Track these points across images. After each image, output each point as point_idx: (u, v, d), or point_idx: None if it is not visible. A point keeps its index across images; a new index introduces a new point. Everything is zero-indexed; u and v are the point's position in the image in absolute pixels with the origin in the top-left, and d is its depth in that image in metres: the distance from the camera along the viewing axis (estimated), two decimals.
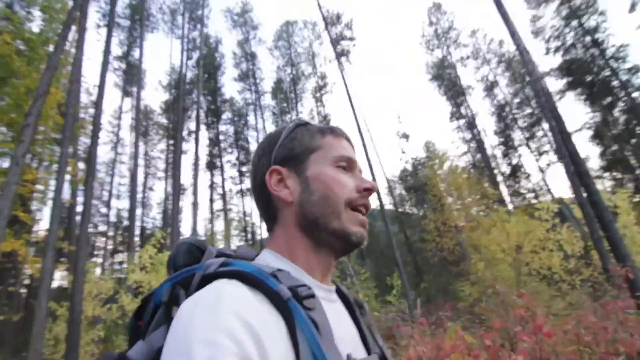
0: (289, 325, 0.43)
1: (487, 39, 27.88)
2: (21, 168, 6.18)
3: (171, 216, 12.82)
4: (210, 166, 24.04)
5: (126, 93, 21.79)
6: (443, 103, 29.21)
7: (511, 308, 4.30)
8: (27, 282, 15.96)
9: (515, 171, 25.79)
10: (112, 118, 23.61)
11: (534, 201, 22.69)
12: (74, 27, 9.13)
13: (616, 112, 21.77)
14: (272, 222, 0.61)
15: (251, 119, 25.93)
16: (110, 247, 22.75)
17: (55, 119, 9.45)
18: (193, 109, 23.20)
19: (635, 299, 5.19)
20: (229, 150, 25.88)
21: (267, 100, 27.03)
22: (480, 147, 25.01)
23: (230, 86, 30.95)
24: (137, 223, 19.78)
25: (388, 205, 21.18)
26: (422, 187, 20.46)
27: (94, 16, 20.97)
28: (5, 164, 8.76)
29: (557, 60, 23.20)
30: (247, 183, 25.43)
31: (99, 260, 20.95)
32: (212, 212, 22.01)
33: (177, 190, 12.40)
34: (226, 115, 26.49)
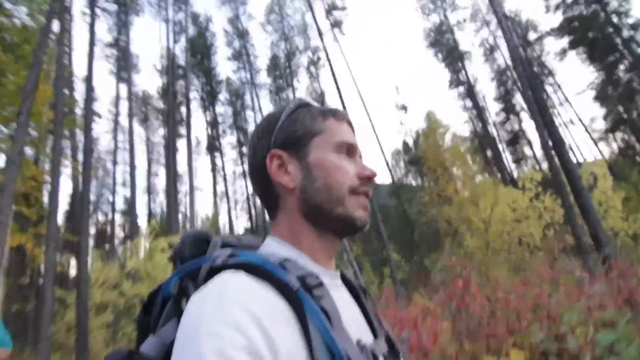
0: (299, 316, 0.43)
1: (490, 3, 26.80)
2: (17, 166, 6.58)
3: (167, 203, 13.29)
4: (211, 149, 24.37)
5: (121, 79, 21.89)
6: (442, 70, 28.53)
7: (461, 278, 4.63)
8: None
9: (517, 138, 25.52)
10: (111, 106, 23.90)
11: (537, 167, 22.61)
12: (56, 21, 9.24)
13: (620, 71, 21.12)
14: (273, 208, 0.60)
15: (248, 98, 25.85)
16: (121, 234, 23.66)
17: (47, 115, 9.76)
18: (190, 91, 23.28)
19: (584, 261, 5.48)
20: (229, 132, 26.10)
21: (263, 78, 26.86)
22: (480, 114, 24.69)
23: (225, 66, 30.67)
24: (144, 210, 20.45)
25: (386, 180, 21.39)
26: (421, 159, 20.53)
27: (80, 3, 20.75)
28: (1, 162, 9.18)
29: (557, 18, 22.32)
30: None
31: (110, 247, 21.89)
32: (215, 195, 22.56)
33: (172, 177, 12.78)
34: (223, 96, 26.50)
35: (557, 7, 22.10)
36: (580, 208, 7.13)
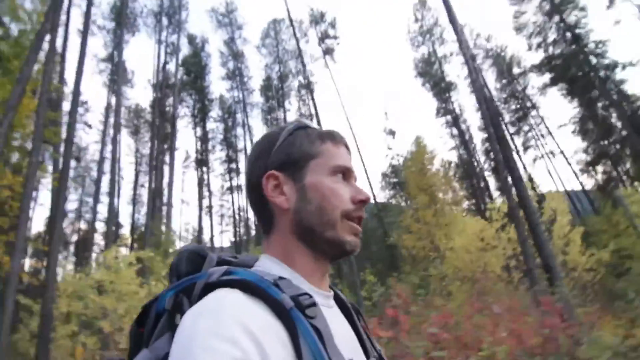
0: (291, 334, 0.44)
1: (473, 34, 28.01)
2: None
3: (146, 217, 13.39)
4: (199, 163, 24.62)
5: (113, 92, 22.31)
6: (430, 99, 29.43)
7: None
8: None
9: (498, 167, 26.00)
10: (101, 116, 24.20)
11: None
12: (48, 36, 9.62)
13: (599, 108, 21.99)
14: (268, 227, 0.61)
15: (240, 116, 26.39)
16: (102, 242, 23.45)
17: (30, 127, 9.99)
18: (181, 107, 23.72)
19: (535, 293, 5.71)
20: (219, 147, 26.43)
21: (256, 97, 27.46)
22: (465, 143, 25.34)
23: (219, 85, 31.39)
24: (128, 220, 20.46)
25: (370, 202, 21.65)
26: (404, 183, 20.92)
27: (77, 21, 21.39)
28: None
29: (539, 55, 23.38)
30: (237, 180, 26.12)
31: (93, 255, 21.67)
32: (200, 209, 22.65)
33: (152, 190, 12.93)
34: (215, 113, 26.99)
35: (538, 46, 23.21)
36: (535, 242, 7.43)
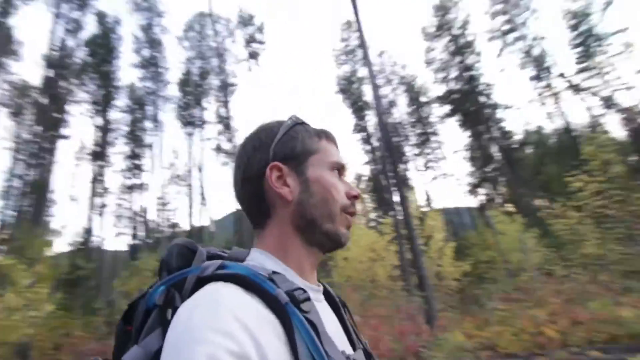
0: (286, 328, 0.44)
1: (391, 60, 30.55)
2: None
3: (20, 211, 11.51)
4: (96, 156, 22.07)
5: None
6: (349, 115, 31.14)
7: None
8: None
9: (404, 182, 28.78)
10: None
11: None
12: None
13: (483, 139, 25.75)
14: (263, 219, 0.61)
15: (151, 109, 24.42)
16: None
17: None
18: (79, 91, 21.11)
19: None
20: (123, 141, 24.05)
21: (171, 91, 25.78)
22: (376, 159, 27.24)
23: (129, 72, 28.72)
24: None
25: None
26: None
27: None
28: None
29: (442, 89, 26.58)
30: (141, 177, 23.99)
31: None
32: (92, 208, 20.21)
33: (34, 184, 11.19)
34: (122, 102, 24.57)
35: (442, 80, 26.36)
36: (412, 255, 8.32)
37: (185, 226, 23.20)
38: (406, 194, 8.88)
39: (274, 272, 0.51)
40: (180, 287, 0.50)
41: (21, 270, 7.75)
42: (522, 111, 27.49)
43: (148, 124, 23.93)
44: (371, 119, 29.18)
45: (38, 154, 14.88)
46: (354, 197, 0.64)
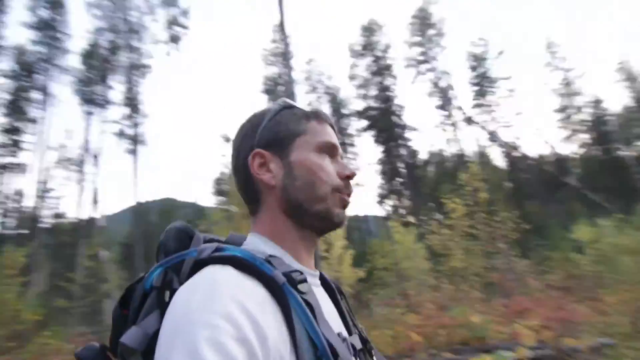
0: (283, 309, 0.44)
1: (318, 69, 31.41)
2: None
3: None
4: None
5: None
6: None
7: None
8: None
9: None
10: None
11: None
12: None
13: (395, 155, 28.08)
14: (255, 205, 0.61)
15: (42, 79, 21.01)
16: None
17: None
18: None
19: None
20: (3, 110, 20.23)
21: (71, 63, 22.60)
22: None
23: (18, 32, 24.36)
24: None
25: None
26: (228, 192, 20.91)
27: None
28: None
29: (362, 104, 28.32)
30: (19, 156, 20.42)
31: None
32: None
33: None
34: (6, 65, 20.71)
35: (362, 96, 28.07)
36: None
37: (71, 218, 20.40)
38: None
39: (271, 256, 0.51)
40: (177, 269, 0.50)
41: None
42: (427, 134, 30.63)
43: (35, 95, 20.57)
44: None
45: None
46: (347, 177, 0.62)
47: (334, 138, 0.64)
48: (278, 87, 28.32)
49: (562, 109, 25.34)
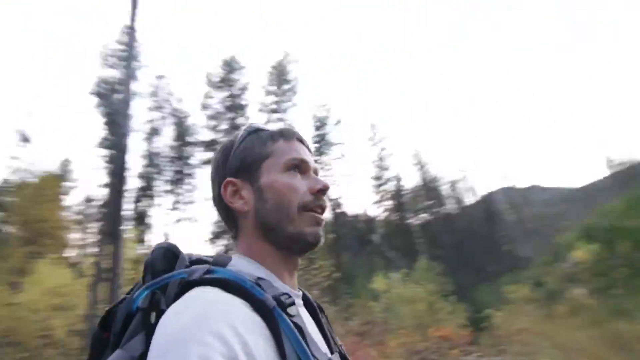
0: (273, 332, 0.45)
1: (168, 87, 29.06)
2: None
3: None
4: None
5: None
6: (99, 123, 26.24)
7: None
8: None
9: (142, 217, 26.17)
10: None
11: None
12: None
13: None
14: (235, 231, 0.63)
15: None
16: None
17: None
18: None
19: None
20: None
21: None
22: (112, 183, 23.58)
23: None
24: None
25: None
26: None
27: None
28: None
29: (210, 135, 27.36)
30: None
31: None
32: None
33: None
34: None
35: (212, 128, 27.26)
36: (110, 302, 7.07)
37: None
38: (123, 230, 7.79)
39: (260, 278, 0.51)
40: (163, 291, 0.49)
41: None
42: None
43: None
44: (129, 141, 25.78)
45: None
46: (319, 192, 0.62)
47: (302, 154, 0.64)
48: (114, 93, 24.52)
49: (376, 178, 31.03)
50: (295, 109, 28.80)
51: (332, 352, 0.59)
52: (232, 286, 0.48)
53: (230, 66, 27.78)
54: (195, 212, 25.67)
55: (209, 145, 26.60)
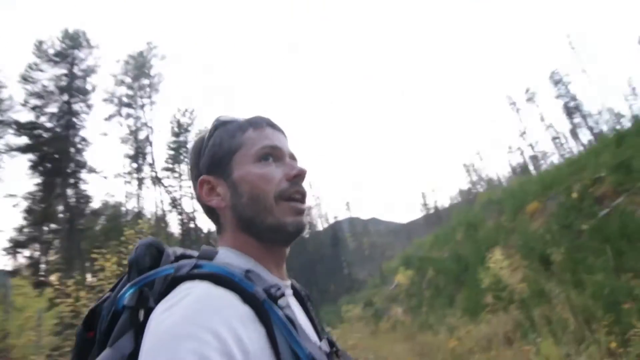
0: (265, 324, 0.45)
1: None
2: None
3: None
4: None
5: None
6: None
7: None
8: None
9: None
10: None
11: None
12: None
13: (57, 194, 22.04)
14: (218, 227, 0.62)
15: None
16: None
17: None
18: None
19: None
20: None
21: None
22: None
23: None
24: None
25: None
26: None
27: None
28: None
29: (29, 116, 21.52)
30: None
31: None
32: None
33: None
34: None
35: (34, 108, 21.51)
36: None
37: None
38: None
39: (249, 271, 0.50)
40: (149, 287, 0.49)
41: None
42: (107, 182, 27.00)
43: None
44: None
45: None
46: (295, 177, 0.59)
47: (274, 140, 0.62)
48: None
49: None
50: (154, 107, 25.73)
51: (320, 339, 0.59)
52: (222, 280, 0.47)
53: (74, 40, 22.81)
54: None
55: (24, 127, 20.71)
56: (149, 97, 25.71)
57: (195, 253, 0.59)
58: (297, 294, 0.64)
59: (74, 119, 22.44)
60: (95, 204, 24.22)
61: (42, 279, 16.46)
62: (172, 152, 26.80)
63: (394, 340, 8.28)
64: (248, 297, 0.46)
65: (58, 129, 22.03)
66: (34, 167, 21.22)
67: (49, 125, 21.86)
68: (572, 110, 23.93)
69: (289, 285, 0.63)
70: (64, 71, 22.56)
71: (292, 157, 0.64)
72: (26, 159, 21.14)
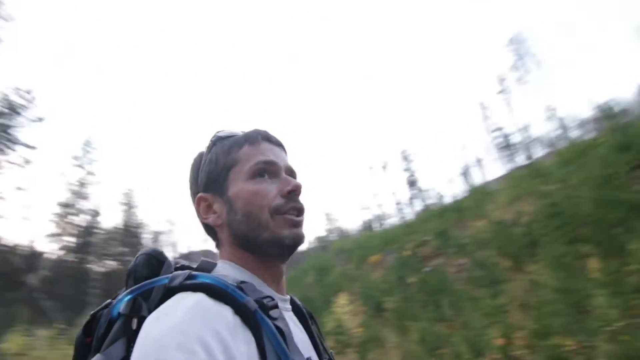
0: (255, 335, 0.45)
1: None
2: None
3: None
4: None
5: None
6: None
7: None
8: None
9: None
10: None
11: None
12: None
13: None
14: (216, 242, 0.63)
15: None
16: None
17: None
18: None
19: None
20: None
21: None
22: None
23: None
24: None
25: None
26: None
27: None
28: None
29: None
30: None
31: None
32: None
33: None
34: None
35: None
36: None
37: None
38: None
39: (242, 282, 0.50)
40: (147, 297, 0.49)
41: None
42: None
43: None
44: None
45: None
46: (290, 193, 0.59)
47: (269, 155, 0.61)
48: None
49: (64, 205, 24.48)
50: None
51: (320, 358, 0.58)
52: (214, 290, 0.47)
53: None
54: None
55: None
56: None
57: (194, 265, 0.58)
58: (298, 310, 0.64)
59: None
60: None
61: None
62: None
63: None
64: (239, 308, 0.46)
65: None
66: None
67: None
68: (411, 182, 29.25)
69: (288, 300, 0.63)
70: None
71: (290, 171, 0.64)
72: None
